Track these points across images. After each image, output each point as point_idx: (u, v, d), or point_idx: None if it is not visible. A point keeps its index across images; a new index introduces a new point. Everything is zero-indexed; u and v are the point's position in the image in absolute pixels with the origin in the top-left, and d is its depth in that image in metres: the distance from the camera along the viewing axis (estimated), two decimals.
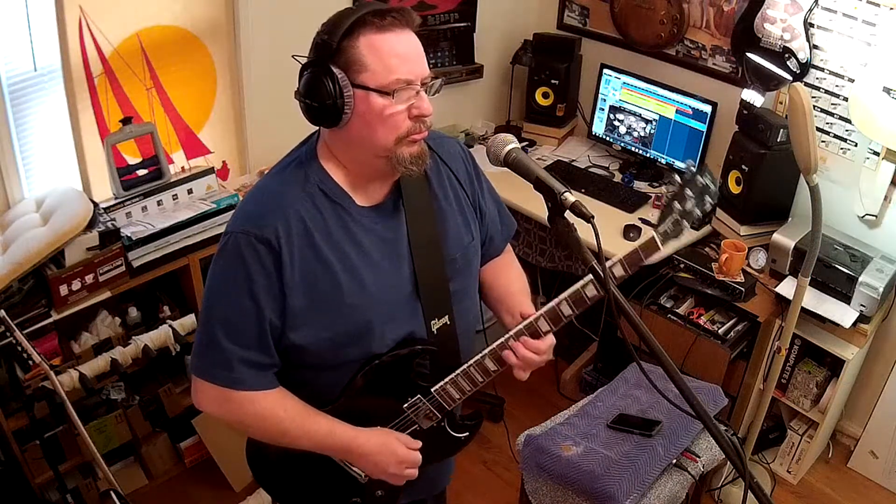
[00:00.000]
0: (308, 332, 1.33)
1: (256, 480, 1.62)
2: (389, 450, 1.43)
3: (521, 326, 1.41)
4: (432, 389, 1.46)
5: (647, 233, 1.39)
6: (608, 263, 1.37)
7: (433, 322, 1.43)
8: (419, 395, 1.46)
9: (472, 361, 1.44)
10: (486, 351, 1.43)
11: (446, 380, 1.45)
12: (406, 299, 1.40)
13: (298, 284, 1.30)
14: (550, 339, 1.43)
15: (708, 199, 1.40)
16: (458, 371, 1.44)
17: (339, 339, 1.35)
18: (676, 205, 1.38)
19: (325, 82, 1.23)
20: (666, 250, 1.41)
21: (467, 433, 1.57)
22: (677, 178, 1.39)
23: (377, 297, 1.36)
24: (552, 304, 1.39)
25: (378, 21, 1.23)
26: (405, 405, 1.47)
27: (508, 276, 1.63)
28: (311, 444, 1.41)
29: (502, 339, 1.42)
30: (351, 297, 1.33)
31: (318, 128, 1.37)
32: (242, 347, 1.31)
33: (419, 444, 1.48)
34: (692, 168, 1.40)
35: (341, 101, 1.24)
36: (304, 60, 1.29)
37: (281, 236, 1.28)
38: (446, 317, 1.45)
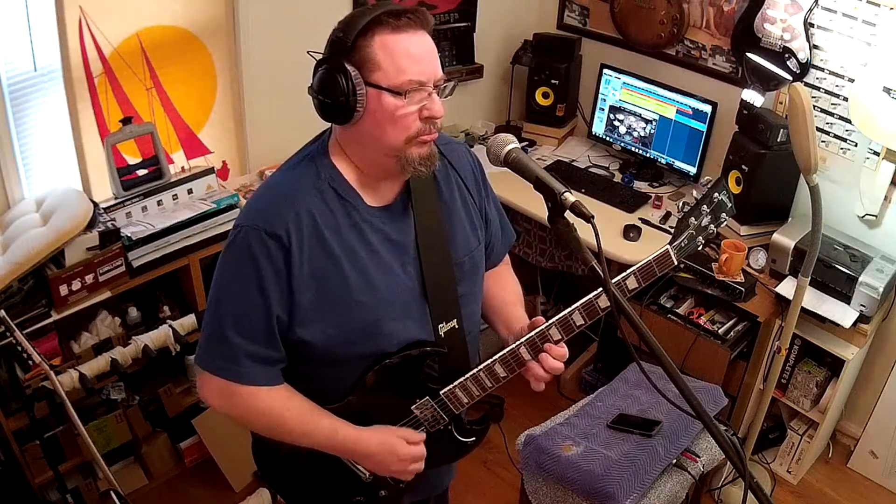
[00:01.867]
0: (316, 328, 1.34)
1: (261, 476, 1.62)
2: (391, 448, 1.43)
3: (532, 334, 1.41)
4: (441, 392, 1.46)
5: (658, 241, 1.41)
6: (622, 276, 1.38)
7: (441, 325, 1.44)
8: (427, 397, 1.46)
9: (482, 366, 1.43)
10: (497, 356, 1.43)
11: (455, 383, 1.45)
12: (414, 300, 1.41)
13: (307, 281, 1.30)
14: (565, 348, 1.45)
15: (724, 215, 1.43)
16: (467, 375, 1.44)
17: (346, 336, 1.35)
18: (692, 220, 1.40)
19: (338, 79, 1.24)
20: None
21: (474, 438, 1.57)
22: (695, 193, 1.40)
23: (385, 296, 1.36)
24: (564, 313, 1.40)
25: (393, 21, 1.23)
26: (413, 406, 1.47)
27: (505, 286, 1.65)
28: (313, 443, 1.41)
29: (513, 346, 1.42)
30: (359, 294, 1.34)
31: (328, 126, 1.38)
32: (250, 341, 1.32)
33: (422, 436, 1.48)
34: (709, 184, 1.41)
35: (353, 99, 1.24)
36: (318, 57, 1.30)
37: (291, 232, 1.28)
38: (454, 320, 1.45)
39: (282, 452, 1.53)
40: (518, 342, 1.42)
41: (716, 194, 1.41)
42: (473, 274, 1.50)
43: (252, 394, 1.35)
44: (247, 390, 1.35)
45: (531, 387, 1.44)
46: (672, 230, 1.51)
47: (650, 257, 1.39)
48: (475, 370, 1.44)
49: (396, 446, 1.44)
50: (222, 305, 1.33)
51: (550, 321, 1.41)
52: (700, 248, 1.43)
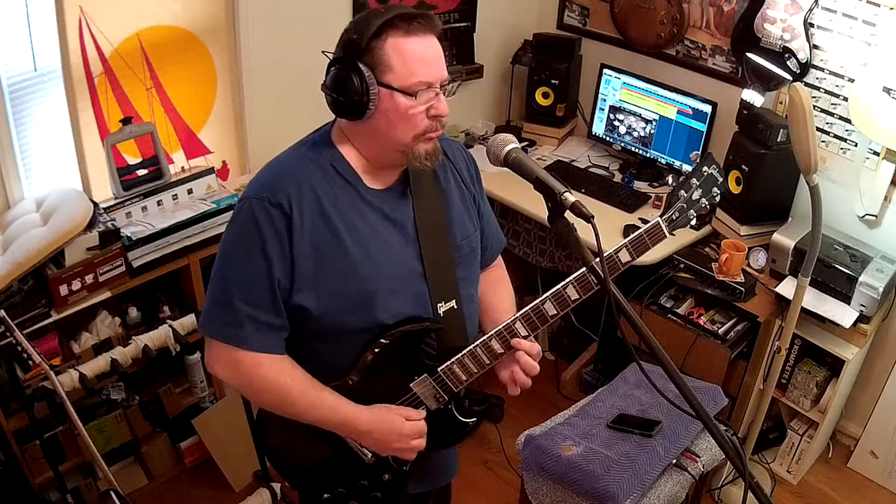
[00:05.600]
0: (312, 294, 1.37)
1: (269, 461, 1.63)
2: (390, 426, 1.45)
3: (527, 309, 1.44)
4: (439, 369, 1.48)
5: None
6: (614, 248, 1.41)
7: (440, 305, 1.47)
8: (425, 374, 1.48)
9: (478, 342, 1.47)
10: (493, 332, 1.46)
11: (452, 360, 1.47)
12: (412, 277, 1.44)
13: (308, 250, 1.35)
14: (538, 347, 1.49)
15: (715, 189, 1.45)
16: (464, 351, 1.47)
17: (342, 304, 1.39)
18: (682, 193, 1.43)
19: (352, 79, 1.30)
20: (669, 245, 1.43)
21: (475, 418, 1.58)
22: (684, 168, 1.42)
23: (383, 268, 1.40)
24: (558, 287, 1.42)
25: (405, 25, 1.30)
26: (412, 384, 1.49)
27: (498, 292, 1.67)
28: (316, 417, 1.43)
29: (509, 321, 1.45)
30: (357, 264, 1.38)
31: (328, 122, 1.44)
32: (253, 307, 1.36)
33: (422, 413, 1.50)
34: (698, 158, 1.42)
35: (366, 98, 1.31)
36: (331, 56, 1.36)
37: (293, 201, 1.34)
38: (453, 301, 1.49)
39: (285, 435, 1.55)
40: (514, 316, 1.45)
41: (705, 168, 1.43)
42: (471, 259, 1.55)
43: (257, 362, 1.39)
44: (251, 358, 1.38)
45: (508, 391, 1.51)
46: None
47: (641, 230, 1.42)
48: (472, 346, 1.47)
49: (396, 423, 1.46)
50: (227, 273, 1.38)
51: (545, 295, 1.43)
52: (693, 223, 1.45)
